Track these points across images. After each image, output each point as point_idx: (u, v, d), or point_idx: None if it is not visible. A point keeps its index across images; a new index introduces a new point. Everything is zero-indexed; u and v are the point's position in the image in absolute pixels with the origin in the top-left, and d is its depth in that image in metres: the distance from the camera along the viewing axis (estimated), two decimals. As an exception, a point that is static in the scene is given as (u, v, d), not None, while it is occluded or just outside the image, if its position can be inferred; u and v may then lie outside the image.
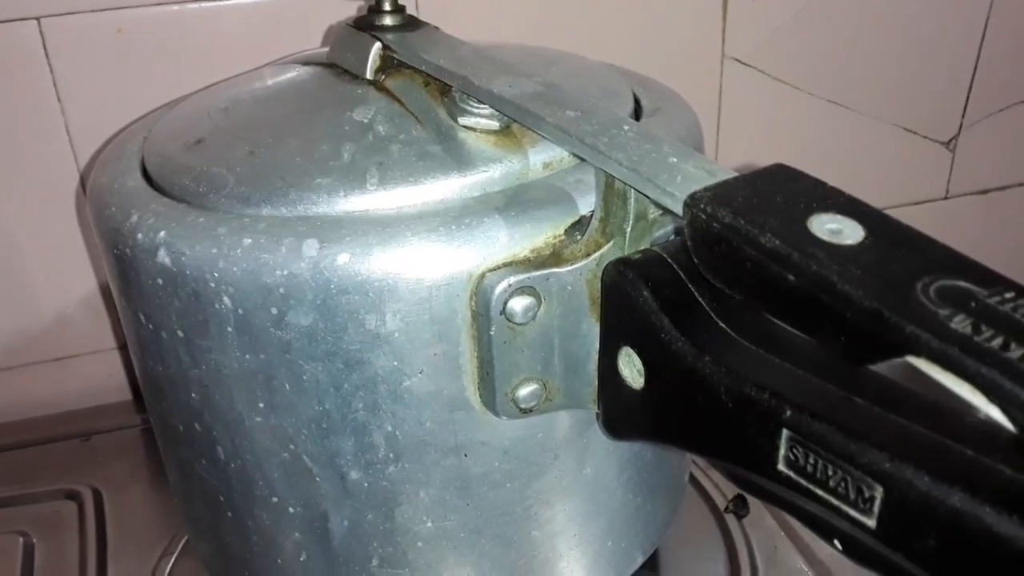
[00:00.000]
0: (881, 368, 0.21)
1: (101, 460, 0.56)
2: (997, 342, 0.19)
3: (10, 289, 0.57)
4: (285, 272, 0.28)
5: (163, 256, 0.29)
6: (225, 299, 0.29)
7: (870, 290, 0.20)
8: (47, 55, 0.52)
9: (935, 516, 0.20)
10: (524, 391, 0.30)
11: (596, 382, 0.31)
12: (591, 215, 0.30)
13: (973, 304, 0.20)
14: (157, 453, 0.56)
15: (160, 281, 0.30)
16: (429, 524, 0.33)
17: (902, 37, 0.70)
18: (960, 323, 0.19)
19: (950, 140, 0.76)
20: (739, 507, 0.53)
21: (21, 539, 0.50)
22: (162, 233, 0.30)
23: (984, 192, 0.81)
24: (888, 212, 0.22)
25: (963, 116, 0.76)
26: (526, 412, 0.31)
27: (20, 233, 0.56)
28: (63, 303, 0.58)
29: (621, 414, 0.30)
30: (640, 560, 0.40)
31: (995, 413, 0.19)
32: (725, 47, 0.65)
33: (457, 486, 0.32)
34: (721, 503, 0.53)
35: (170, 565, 0.48)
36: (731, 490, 0.54)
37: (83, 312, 0.59)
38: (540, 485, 0.34)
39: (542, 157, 0.32)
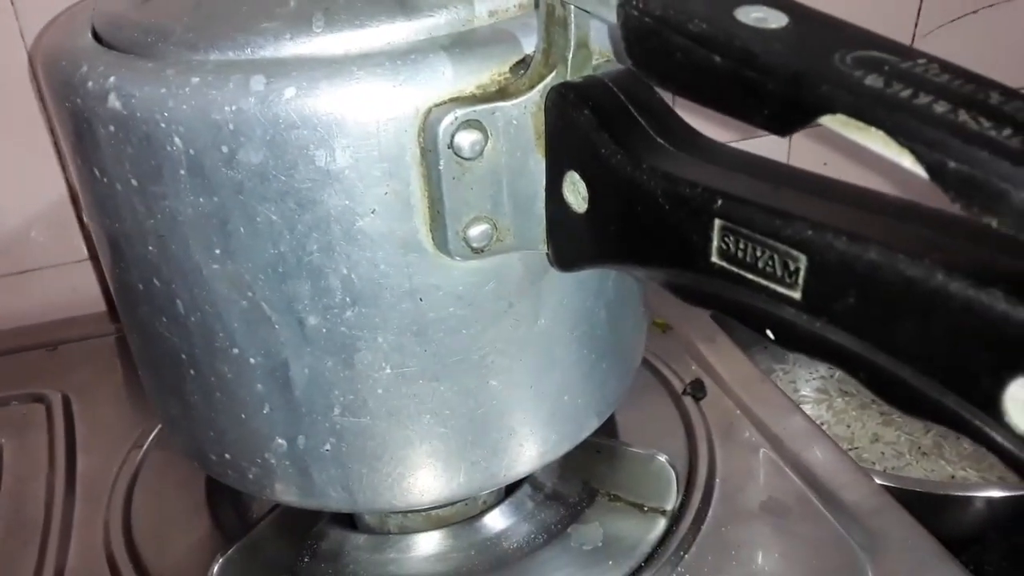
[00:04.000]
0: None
1: (68, 368, 0.57)
2: (907, 93, 0.20)
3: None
4: (233, 108, 0.29)
5: (113, 100, 0.30)
6: (176, 140, 0.29)
7: (789, 61, 0.21)
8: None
9: (854, 273, 0.21)
10: (475, 231, 0.31)
11: (545, 222, 0.32)
12: (534, 54, 0.30)
13: (886, 68, 0.21)
14: (122, 361, 0.57)
15: (112, 128, 0.30)
16: (388, 370, 0.34)
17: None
18: (873, 80, 0.20)
19: (902, 50, 0.78)
20: (696, 390, 0.54)
21: (-10, 440, 0.51)
22: (112, 79, 0.30)
23: (955, 20, 0.81)
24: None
25: (915, 27, 0.77)
26: (478, 252, 0.32)
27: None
28: (27, 216, 0.58)
29: (568, 242, 0.31)
30: (596, 422, 0.41)
31: (906, 161, 0.20)
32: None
33: (414, 331, 0.33)
34: (679, 387, 0.54)
35: (139, 457, 0.49)
36: (689, 375, 0.55)
37: (47, 225, 0.59)
38: (495, 333, 0.34)
39: (488, 5, 0.32)
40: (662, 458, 0.46)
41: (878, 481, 0.48)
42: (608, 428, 0.48)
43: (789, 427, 0.51)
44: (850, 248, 0.21)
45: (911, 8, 0.76)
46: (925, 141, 0.19)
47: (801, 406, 0.58)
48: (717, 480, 0.46)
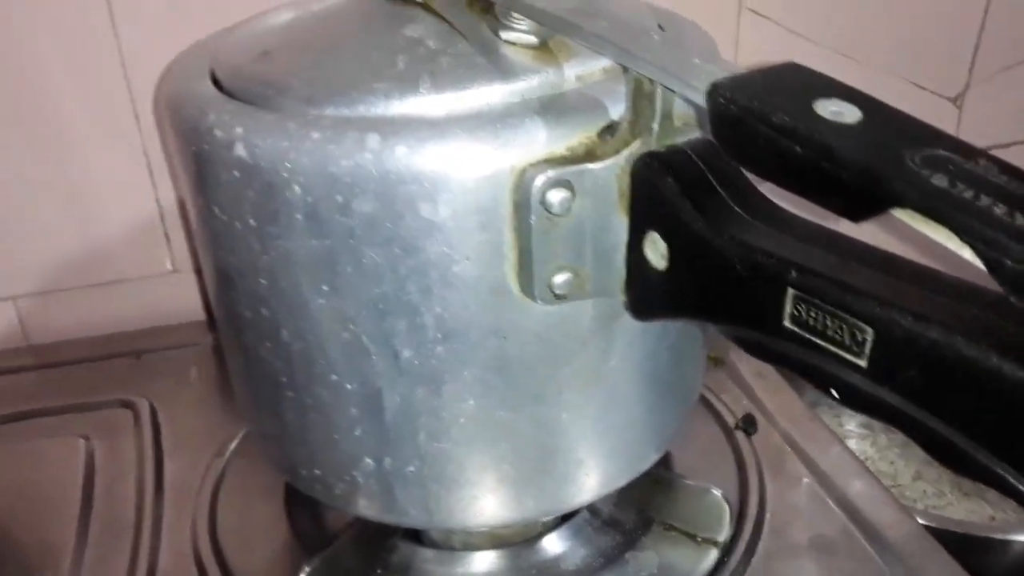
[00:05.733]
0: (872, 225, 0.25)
1: (152, 376, 0.61)
2: (969, 194, 0.22)
3: (70, 216, 0.61)
4: (350, 162, 0.32)
5: (240, 149, 0.33)
6: (295, 188, 0.33)
7: (863, 156, 0.24)
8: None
9: (917, 349, 0.24)
10: (559, 279, 0.34)
11: (624, 273, 0.34)
12: (621, 120, 0.33)
13: (951, 167, 0.23)
14: (205, 371, 0.61)
15: (236, 173, 0.34)
16: (471, 401, 0.37)
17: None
18: (939, 180, 0.23)
19: (957, 96, 0.79)
20: (748, 425, 0.57)
21: (83, 441, 0.55)
22: (238, 129, 0.33)
23: (990, 148, 0.83)
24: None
25: (970, 73, 0.79)
26: (560, 298, 0.34)
27: (79, 161, 0.60)
28: (119, 230, 0.62)
29: (647, 295, 0.33)
30: (654, 456, 0.44)
31: (967, 254, 0.22)
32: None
33: (496, 366, 0.36)
34: (732, 422, 0.57)
35: (222, 464, 0.52)
36: (741, 410, 0.57)
37: (136, 239, 0.63)
38: (569, 371, 0.37)
39: (576, 70, 0.35)
40: (716, 492, 0.49)
41: (919, 520, 0.50)
42: (664, 459, 0.50)
43: (835, 463, 0.53)
44: (914, 326, 0.24)
45: (966, 53, 0.78)
46: (985, 240, 0.21)
47: (846, 440, 0.60)
48: (767, 514, 0.48)
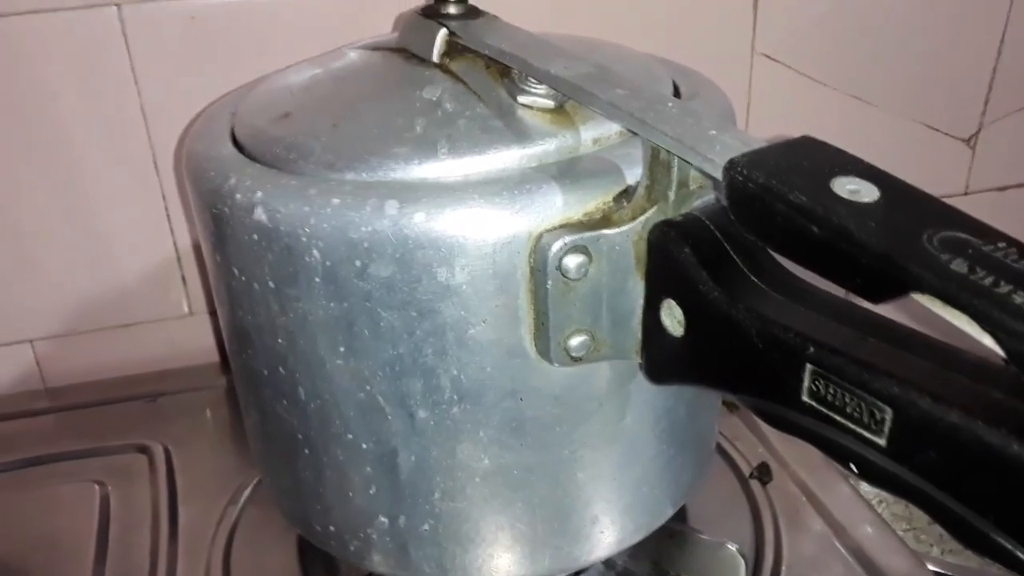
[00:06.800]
0: (891, 307, 0.25)
1: (168, 419, 0.61)
2: (989, 280, 0.22)
3: (88, 259, 0.62)
4: (369, 228, 0.32)
5: (260, 214, 0.33)
6: (315, 252, 0.33)
7: (882, 239, 0.24)
8: (126, 39, 0.57)
9: (936, 431, 0.24)
10: (575, 341, 0.34)
11: (639, 335, 0.34)
12: (637, 184, 0.33)
13: (970, 251, 0.23)
14: (219, 414, 0.61)
15: (256, 236, 0.34)
16: (487, 461, 0.37)
17: (924, 36, 0.73)
18: (958, 265, 0.23)
19: (970, 137, 0.79)
20: (763, 474, 0.56)
21: (97, 487, 0.55)
22: (259, 193, 0.34)
23: (1003, 189, 0.83)
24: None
25: (983, 114, 0.79)
26: (576, 360, 0.35)
27: (98, 206, 0.60)
28: (136, 273, 0.63)
29: (663, 360, 0.33)
30: (670, 511, 0.44)
31: (987, 341, 0.22)
32: (755, 43, 0.69)
33: (512, 427, 0.36)
34: (746, 470, 0.56)
35: (236, 512, 0.52)
36: (756, 458, 0.57)
37: (153, 282, 0.63)
38: (585, 430, 0.37)
39: (592, 133, 0.35)
40: (732, 546, 0.48)
41: (934, 568, 0.49)
42: (679, 510, 0.50)
43: (849, 511, 0.53)
44: (933, 409, 0.23)
45: (979, 95, 0.78)
46: (1005, 329, 0.21)
47: (860, 482, 0.59)
48: (783, 568, 0.48)
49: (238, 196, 0.34)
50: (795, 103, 0.72)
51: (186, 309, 0.66)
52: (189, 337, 0.65)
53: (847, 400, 0.26)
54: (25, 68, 0.56)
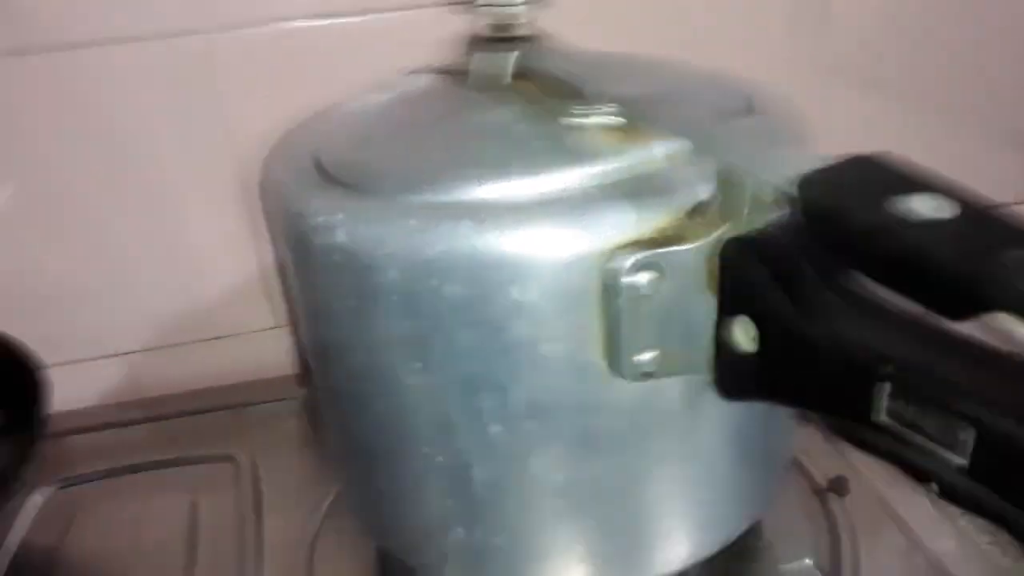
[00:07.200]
0: (969, 325, 0.24)
1: (253, 430, 0.63)
2: (1068, 300, 0.22)
3: (178, 276, 0.64)
4: (445, 247, 0.33)
5: (341, 235, 0.35)
6: (392, 272, 0.34)
7: (958, 257, 0.24)
8: (214, 64, 0.59)
9: (1020, 452, 0.23)
10: (646, 357, 0.34)
11: (711, 350, 0.34)
12: (710, 200, 0.33)
13: (1051, 269, 0.23)
14: (303, 425, 0.63)
15: (335, 257, 0.35)
16: (559, 475, 0.37)
17: (989, 47, 0.72)
18: (1038, 284, 0.22)
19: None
20: (840, 487, 0.55)
21: (187, 496, 0.57)
22: (340, 215, 0.35)
23: None
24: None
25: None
26: (648, 376, 0.35)
27: (187, 225, 0.63)
28: (224, 288, 0.66)
29: (735, 377, 0.33)
30: (744, 525, 0.43)
31: (1070, 360, 0.22)
32: (826, 57, 0.68)
33: (584, 441, 0.36)
34: (822, 483, 0.55)
35: (318, 522, 0.53)
36: (832, 470, 0.56)
37: (240, 297, 0.66)
38: (657, 445, 0.37)
39: (663, 150, 0.36)
40: (808, 561, 0.48)
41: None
42: (752, 524, 0.50)
43: (928, 524, 0.52)
44: (1018, 431, 0.23)
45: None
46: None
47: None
48: (861, 583, 0.47)
49: (320, 218, 0.36)
50: (865, 117, 0.71)
51: (272, 322, 0.68)
52: (276, 349, 0.67)
53: (927, 420, 0.26)
54: (119, 94, 0.59)
